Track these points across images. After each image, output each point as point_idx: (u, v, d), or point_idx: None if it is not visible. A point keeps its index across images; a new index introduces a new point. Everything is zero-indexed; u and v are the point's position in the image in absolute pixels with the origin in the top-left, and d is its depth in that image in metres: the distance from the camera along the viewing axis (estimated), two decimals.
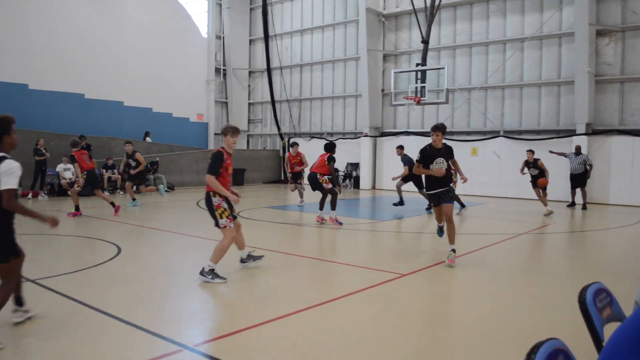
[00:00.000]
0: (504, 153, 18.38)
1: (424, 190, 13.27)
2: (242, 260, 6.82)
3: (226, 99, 27.45)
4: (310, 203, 14.29)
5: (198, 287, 6.00)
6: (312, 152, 18.35)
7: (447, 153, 7.33)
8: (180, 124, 24.78)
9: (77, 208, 12.02)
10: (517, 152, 17.21)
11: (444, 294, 5.85)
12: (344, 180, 22.89)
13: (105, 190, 17.12)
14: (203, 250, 8.52)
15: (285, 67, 26.01)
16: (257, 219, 11.88)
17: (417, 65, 18.49)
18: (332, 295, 5.51)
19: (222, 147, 6.33)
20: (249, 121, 28.07)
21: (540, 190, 12.97)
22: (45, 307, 5.02)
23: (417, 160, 7.37)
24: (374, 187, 22.13)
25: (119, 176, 17.97)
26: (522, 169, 13.36)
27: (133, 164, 14.14)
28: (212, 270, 6.10)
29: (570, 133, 17.19)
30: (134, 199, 14.20)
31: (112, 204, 12.27)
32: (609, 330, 1.74)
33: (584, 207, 14.93)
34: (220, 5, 26.92)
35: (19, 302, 4.57)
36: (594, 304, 2.13)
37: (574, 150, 15.34)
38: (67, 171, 16.54)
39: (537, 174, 13.01)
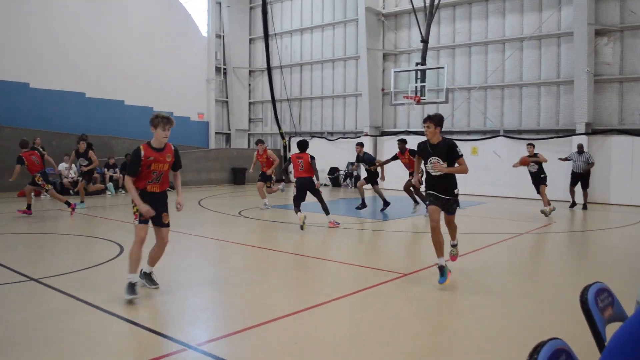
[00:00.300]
0: (504, 152, 18.41)
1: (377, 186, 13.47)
2: (141, 276, 5.73)
3: (227, 98, 27.48)
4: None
5: (200, 286, 6.04)
6: (313, 151, 18.33)
7: (447, 151, 6.00)
8: (181, 123, 24.70)
9: (28, 207, 11.95)
10: (517, 152, 17.22)
11: (446, 293, 5.86)
12: (344, 179, 22.93)
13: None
14: (204, 248, 8.59)
15: (286, 66, 26.04)
16: (257, 218, 11.91)
17: (417, 64, 18.53)
18: (333, 295, 5.54)
19: (147, 143, 5.49)
20: (250, 120, 28.10)
21: (542, 187, 12.83)
22: (48, 306, 5.07)
23: (417, 153, 6.41)
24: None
25: (121, 175, 18.00)
26: (518, 164, 12.94)
27: (85, 162, 13.51)
28: (130, 284, 5.28)
29: (570, 133, 17.22)
30: (82, 201, 13.58)
31: (68, 203, 12.24)
32: (610, 330, 1.77)
33: (585, 207, 14.94)
34: (220, 4, 26.94)
35: None
36: (596, 304, 2.16)
37: (576, 149, 15.34)
38: (69, 170, 16.56)
39: (537, 171, 12.93)
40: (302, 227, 10.08)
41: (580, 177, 15.20)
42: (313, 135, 24.56)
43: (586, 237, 10.50)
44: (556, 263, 7.94)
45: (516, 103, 19.01)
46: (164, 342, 4.24)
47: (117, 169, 18.38)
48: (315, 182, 10.34)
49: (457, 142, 6.21)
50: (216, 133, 26.42)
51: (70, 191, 16.60)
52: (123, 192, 17.76)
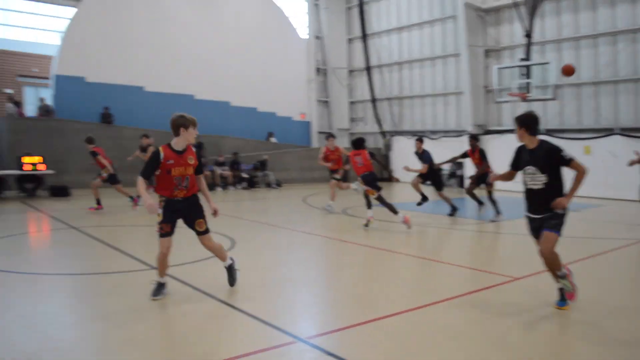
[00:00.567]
0: (621, 152, 17.23)
1: (442, 192, 12.28)
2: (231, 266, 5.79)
3: (327, 98, 28.05)
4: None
5: (309, 281, 6.31)
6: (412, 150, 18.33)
7: (545, 158, 4.92)
8: (283, 123, 25.66)
9: (98, 202, 12.45)
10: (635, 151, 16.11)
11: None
12: (448, 179, 22.56)
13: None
14: (310, 245, 8.97)
15: (384, 65, 26.08)
16: (360, 217, 12.15)
17: (521, 60, 17.94)
18: (442, 296, 5.54)
19: (167, 145, 5.22)
20: (351, 119, 28.47)
21: None
22: (168, 295, 5.47)
23: (512, 162, 5.33)
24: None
25: (230, 173, 19.06)
26: (636, 160, 11.29)
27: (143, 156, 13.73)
28: (158, 283, 5.36)
29: None
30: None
31: (131, 197, 12.66)
32: None
33: None
34: (317, 5, 27.50)
35: None
36: None
37: None
38: None
39: None
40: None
41: None
42: (415, 134, 24.44)
43: None
44: None
45: (632, 99, 17.82)
46: (274, 333, 4.40)
47: (226, 167, 19.44)
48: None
49: (561, 144, 5.19)
50: (319, 132, 27.07)
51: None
52: (232, 188, 18.77)
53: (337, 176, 13.11)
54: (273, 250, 8.39)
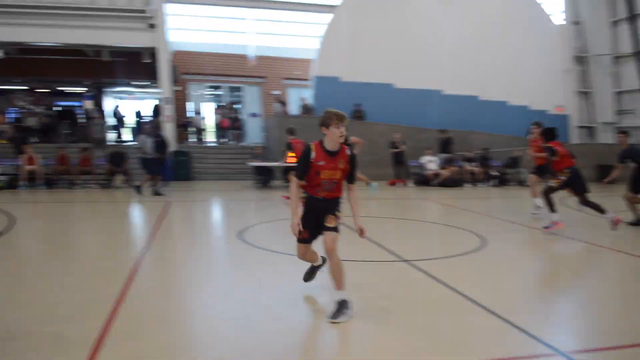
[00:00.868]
0: None
1: None
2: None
3: (588, 88, 25.21)
4: None
5: (570, 288, 5.59)
6: None
7: None
8: (537, 117, 23.73)
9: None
10: None
11: None
12: None
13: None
14: (569, 251, 7.95)
15: None
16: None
17: None
18: None
19: (319, 142, 4.54)
20: (617, 112, 25.07)
21: None
22: (418, 287, 5.35)
23: None
24: None
25: (480, 169, 18.37)
26: None
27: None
28: (340, 302, 4.38)
29: None
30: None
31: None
32: None
33: None
34: None
35: None
36: None
37: None
38: (431, 163, 17.73)
39: None
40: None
41: None
42: None
43: None
44: None
45: None
46: (528, 341, 3.98)
47: (475, 163, 18.76)
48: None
49: None
50: (578, 127, 24.51)
51: (430, 182, 17.65)
52: (481, 185, 18.07)
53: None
54: (528, 253, 7.68)
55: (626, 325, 4.38)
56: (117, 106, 24.23)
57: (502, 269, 6.35)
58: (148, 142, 14.53)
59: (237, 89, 26.55)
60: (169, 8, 20.49)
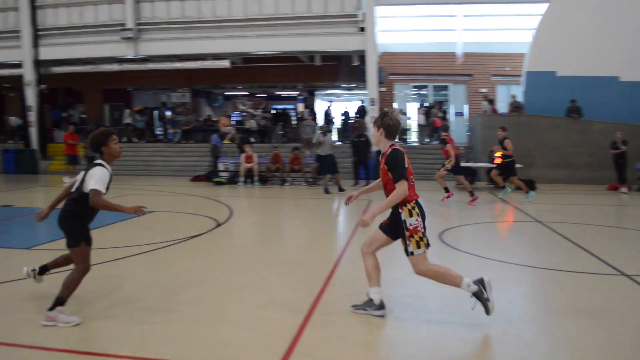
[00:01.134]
0: None
1: None
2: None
3: None
4: None
5: None
6: None
7: None
8: None
9: (446, 190, 12.44)
10: None
11: None
12: None
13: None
14: None
15: None
16: None
17: None
18: None
19: (394, 145, 4.53)
20: None
21: None
22: None
23: None
24: None
25: None
26: None
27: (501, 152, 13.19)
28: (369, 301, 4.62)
29: None
30: (527, 192, 13.17)
31: (471, 192, 12.48)
32: None
33: None
34: None
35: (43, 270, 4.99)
36: None
37: None
38: None
39: None
40: None
41: None
42: None
43: None
44: None
45: None
46: None
47: None
48: None
49: None
50: None
51: None
52: None
53: None
54: None
55: None
56: (328, 107, 25.67)
57: None
58: (326, 140, 15.24)
59: (443, 88, 26.22)
60: (378, 11, 20.99)
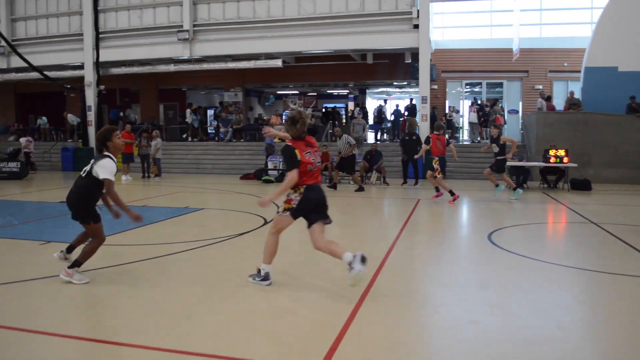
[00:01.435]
0: None
1: None
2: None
3: None
4: None
5: None
6: None
7: None
8: None
9: (451, 193, 11.93)
10: None
11: None
12: None
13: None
14: None
15: None
16: None
17: None
18: None
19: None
20: None
21: None
22: None
23: None
24: None
25: None
26: None
27: (496, 149, 12.57)
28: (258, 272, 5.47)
29: None
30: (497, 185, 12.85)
31: (451, 192, 11.89)
32: None
33: None
34: None
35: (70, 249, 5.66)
36: None
37: None
38: None
39: None
40: None
41: None
42: None
43: None
44: None
45: None
46: None
47: None
48: None
49: None
50: None
51: None
52: None
53: None
54: None
55: None
56: (380, 106, 25.57)
57: None
58: (344, 141, 15.42)
59: (497, 85, 25.60)
60: (433, 7, 20.67)
